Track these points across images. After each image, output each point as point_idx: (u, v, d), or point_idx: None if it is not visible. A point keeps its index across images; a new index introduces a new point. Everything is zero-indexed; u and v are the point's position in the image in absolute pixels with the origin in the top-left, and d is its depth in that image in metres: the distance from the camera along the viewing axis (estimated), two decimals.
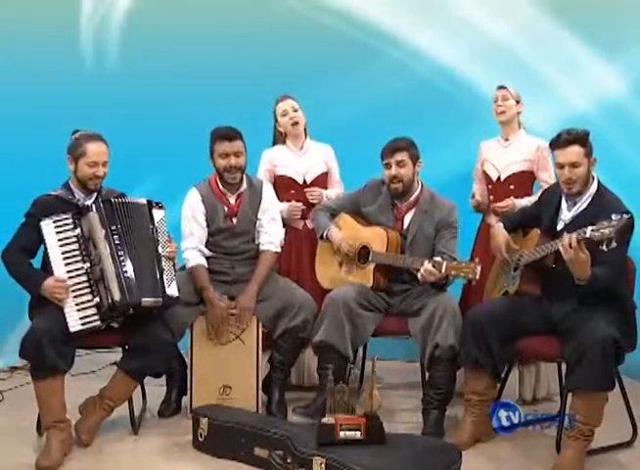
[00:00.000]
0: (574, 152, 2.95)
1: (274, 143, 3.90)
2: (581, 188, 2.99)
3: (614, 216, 2.66)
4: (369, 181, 3.58)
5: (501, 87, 3.68)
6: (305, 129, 3.88)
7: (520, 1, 4.40)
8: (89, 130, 3.20)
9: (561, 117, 4.13)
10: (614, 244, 2.67)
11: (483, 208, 3.76)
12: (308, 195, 3.78)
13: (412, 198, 3.46)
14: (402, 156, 3.38)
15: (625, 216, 2.65)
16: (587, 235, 2.70)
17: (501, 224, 3.33)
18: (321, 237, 3.58)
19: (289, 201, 3.78)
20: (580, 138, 2.96)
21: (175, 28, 4.52)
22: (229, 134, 3.41)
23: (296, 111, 3.80)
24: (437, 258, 3.14)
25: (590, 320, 2.84)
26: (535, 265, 3.08)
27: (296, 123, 3.80)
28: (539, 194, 3.37)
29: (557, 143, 3.00)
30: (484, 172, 3.74)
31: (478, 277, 3.02)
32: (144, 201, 3.22)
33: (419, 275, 3.20)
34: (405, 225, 3.45)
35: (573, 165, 2.95)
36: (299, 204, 3.77)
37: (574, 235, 2.75)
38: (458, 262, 3.09)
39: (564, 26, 4.28)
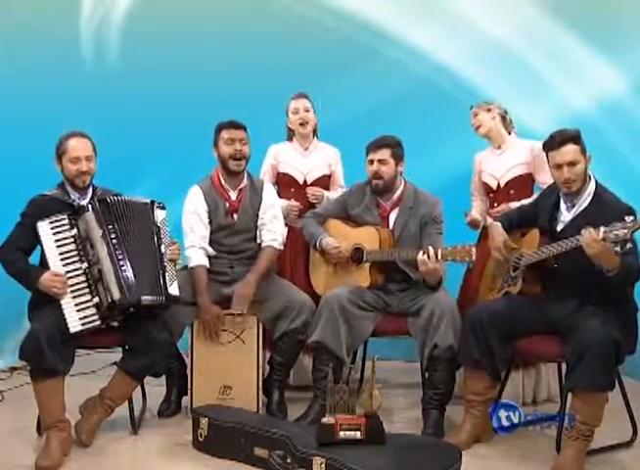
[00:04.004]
0: (570, 150, 2.94)
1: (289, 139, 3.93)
2: (580, 186, 2.98)
3: (627, 218, 2.65)
4: (354, 184, 3.59)
5: (471, 107, 3.69)
6: (315, 131, 3.89)
7: (520, 1, 4.40)
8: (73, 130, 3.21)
9: (561, 117, 4.13)
10: (629, 245, 2.67)
11: (478, 223, 3.73)
12: (309, 194, 3.79)
13: (395, 196, 3.46)
14: (385, 154, 3.39)
15: None
16: (601, 236, 2.69)
17: (499, 223, 3.33)
18: (314, 246, 3.56)
19: (288, 199, 3.79)
20: (573, 136, 2.95)
21: (175, 28, 4.52)
22: (235, 123, 3.47)
23: (307, 111, 3.82)
24: (432, 247, 3.14)
25: (591, 320, 2.84)
26: (537, 265, 3.08)
27: (304, 123, 3.81)
28: (536, 196, 3.36)
29: (550, 144, 3.00)
30: (484, 183, 3.73)
31: (474, 259, 3.02)
32: (147, 200, 3.23)
33: (418, 257, 3.16)
34: (391, 224, 3.45)
35: (571, 164, 2.94)
36: (297, 203, 3.78)
37: (594, 232, 2.71)
38: (454, 247, 3.08)
39: (564, 26, 4.29)
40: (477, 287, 3.52)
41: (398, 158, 3.42)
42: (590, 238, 2.73)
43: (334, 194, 3.83)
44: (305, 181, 3.84)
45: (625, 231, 2.63)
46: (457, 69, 4.42)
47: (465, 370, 3.19)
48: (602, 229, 2.69)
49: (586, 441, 2.86)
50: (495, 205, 3.68)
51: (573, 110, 4.27)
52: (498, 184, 3.66)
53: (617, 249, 2.68)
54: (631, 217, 2.65)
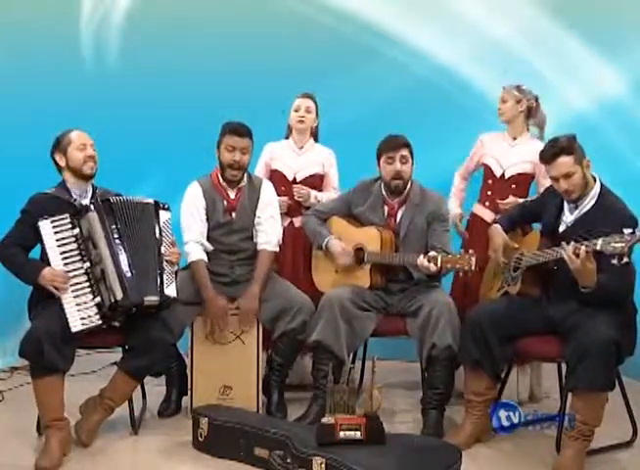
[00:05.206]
0: (563, 163, 2.93)
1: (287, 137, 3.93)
2: (581, 193, 2.98)
3: (626, 231, 2.63)
4: (358, 182, 3.58)
5: (503, 87, 3.67)
6: (314, 133, 3.89)
7: (520, 1, 4.40)
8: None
9: (561, 117, 4.13)
10: (625, 259, 2.65)
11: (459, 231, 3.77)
12: (295, 191, 3.78)
13: (404, 194, 3.46)
14: (406, 152, 3.40)
15: (639, 233, 2.62)
16: (598, 248, 2.68)
17: (498, 225, 3.32)
18: (319, 247, 3.56)
19: (279, 196, 3.77)
20: (565, 147, 2.94)
21: (175, 28, 4.51)
22: (240, 130, 3.44)
23: (309, 112, 3.81)
24: (432, 253, 3.16)
25: (591, 321, 2.84)
26: (537, 267, 3.07)
27: (301, 122, 3.80)
28: (542, 191, 3.35)
29: (544, 158, 3.00)
30: (487, 167, 3.72)
31: (473, 268, 3.03)
32: (151, 201, 3.23)
33: (418, 262, 3.17)
34: (398, 221, 3.45)
35: (567, 176, 2.94)
36: (285, 198, 3.76)
37: (583, 247, 2.73)
38: (453, 255, 3.11)
39: (564, 26, 4.28)
40: (477, 285, 3.52)
41: (413, 157, 3.44)
42: (573, 252, 2.74)
43: (327, 195, 3.82)
44: (295, 179, 3.84)
45: (622, 245, 2.62)
46: (457, 69, 4.41)
47: (465, 370, 3.19)
48: (600, 241, 2.68)
49: (586, 441, 2.87)
50: (490, 193, 3.67)
51: (574, 110, 4.27)
52: (503, 174, 3.65)
53: (615, 261, 2.68)
54: (629, 230, 2.63)
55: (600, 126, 4.19)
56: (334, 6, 4.50)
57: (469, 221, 3.79)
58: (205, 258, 3.45)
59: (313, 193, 3.80)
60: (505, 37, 4.35)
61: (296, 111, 3.82)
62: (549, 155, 2.97)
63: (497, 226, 3.32)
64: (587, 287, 2.82)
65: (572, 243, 2.79)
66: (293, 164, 3.85)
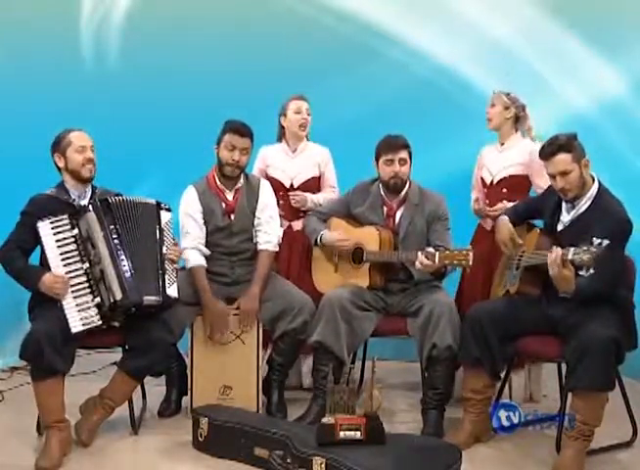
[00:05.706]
0: (561, 160, 2.94)
1: (279, 139, 3.91)
2: (578, 192, 2.98)
3: (595, 240, 2.66)
4: (357, 183, 3.59)
5: (493, 92, 3.67)
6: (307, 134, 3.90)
7: (520, 1, 4.40)
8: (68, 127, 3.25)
9: (561, 117, 4.14)
10: (592, 270, 2.69)
11: (482, 213, 3.75)
12: (291, 198, 3.77)
13: (402, 194, 3.46)
14: (405, 154, 3.40)
15: (605, 243, 2.65)
16: (570, 257, 2.73)
17: (506, 217, 3.31)
18: (315, 243, 3.56)
19: (277, 202, 3.74)
20: (564, 145, 2.94)
21: (175, 28, 4.52)
22: (242, 130, 3.42)
23: (309, 114, 3.81)
24: (430, 249, 3.15)
25: (590, 320, 2.84)
26: (535, 267, 3.07)
27: (304, 125, 3.79)
28: (545, 189, 3.34)
29: (543, 154, 3.01)
30: (482, 178, 3.72)
31: (471, 264, 3.02)
32: (153, 201, 3.23)
33: (417, 263, 3.17)
34: (397, 221, 3.45)
35: (564, 174, 2.94)
36: (281, 203, 3.75)
37: (560, 254, 2.76)
38: (451, 251, 3.09)
39: (564, 26, 4.29)
40: (478, 283, 3.51)
41: (411, 156, 3.44)
42: (553, 259, 2.77)
43: (321, 195, 3.82)
44: (292, 185, 3.82)
45: (589, 256, 2.65)
46: (457, 69, 4.42)
47: (464, 368, 3.19)
48: (571, 251, 2.71)
49: (586, 441, 2.87)
50: (487, 201, 3.68)
51: (573, 110, 4.27)
52: (492, 181, 3.66)
53: (582, 272, 2.71)
54: (598, 241, 2.66)
55: (600, 126, 4.20)
56: (334, 6, 4.51)
57: (475, 231, 3.78)
58: (204, 263, 3.44)
59: (310, 197, 3.78)
60: (505, 37, 4.36)
61: (297, 112, 3.79)
62: (547, 151, 2.98)
63: (504, 218, 3.30)
64: (566, 293, 2.86)
65: (554, 248, 2.81)
66: (287, 170, 3.82)
